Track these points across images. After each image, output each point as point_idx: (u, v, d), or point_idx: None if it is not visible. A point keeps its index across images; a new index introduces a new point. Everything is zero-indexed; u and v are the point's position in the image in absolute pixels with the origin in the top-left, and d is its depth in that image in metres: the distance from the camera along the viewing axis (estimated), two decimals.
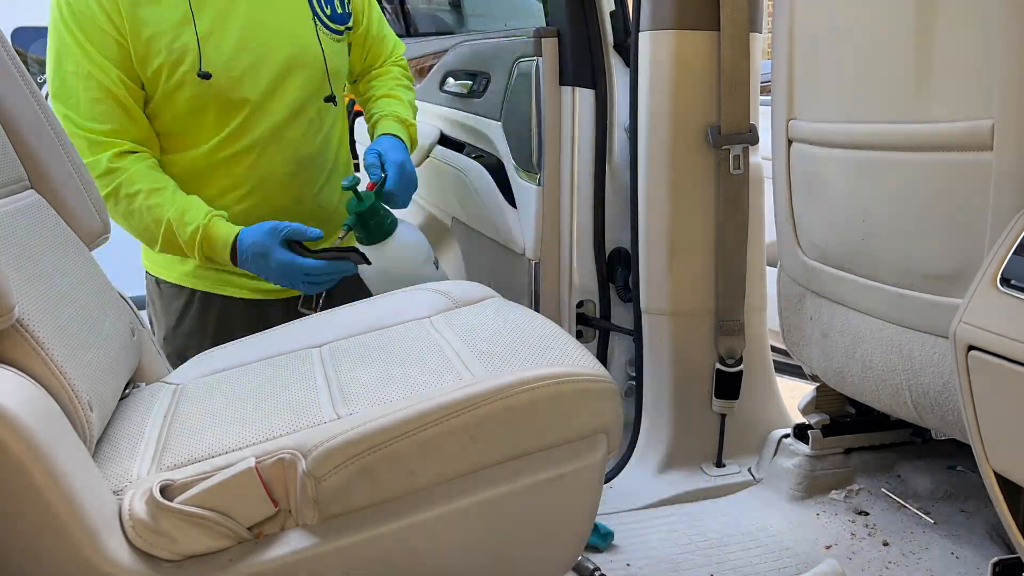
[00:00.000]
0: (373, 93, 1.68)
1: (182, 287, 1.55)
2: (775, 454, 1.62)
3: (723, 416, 1.67)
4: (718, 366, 1.65)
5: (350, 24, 1.60)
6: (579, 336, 1.88)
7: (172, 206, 1.36)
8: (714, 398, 1.66)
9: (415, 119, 1.66)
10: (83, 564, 0.76)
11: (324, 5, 1.54)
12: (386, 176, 1.44)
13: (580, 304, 1.86)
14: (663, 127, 1.58)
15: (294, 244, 1.37)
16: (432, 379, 0.96)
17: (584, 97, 1.76)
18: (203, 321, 1.55)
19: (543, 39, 1.76)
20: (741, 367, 1.64)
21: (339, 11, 1.57)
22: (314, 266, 1.37)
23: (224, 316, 1.54)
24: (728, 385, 1.65)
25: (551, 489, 0.91)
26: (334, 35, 1.56)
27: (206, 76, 1.38)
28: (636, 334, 1.70)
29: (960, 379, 0.94)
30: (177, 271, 1.54)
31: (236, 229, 1.37)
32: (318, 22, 1.52)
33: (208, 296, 1.54)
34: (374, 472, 0.84)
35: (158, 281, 1.57)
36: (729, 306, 1.63)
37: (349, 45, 1.63)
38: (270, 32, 1.46)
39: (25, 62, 1.34)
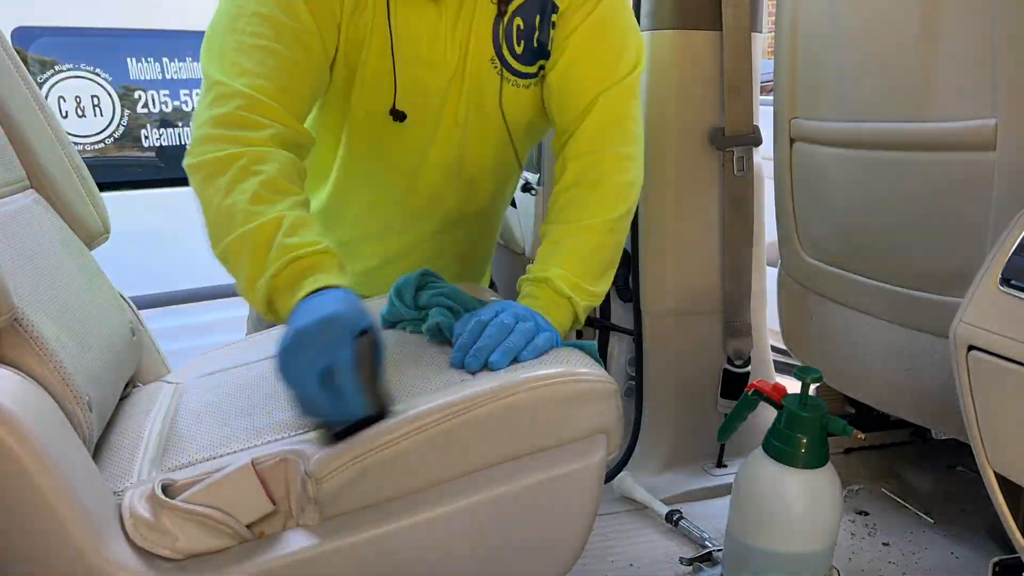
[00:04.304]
0: (547, 216, 1.18)
1: None
2: None
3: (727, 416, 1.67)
4: (726, 366, 1.65)
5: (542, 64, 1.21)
6: (579, 336, 1.88)
7: (290, 211, 0.95)
8: (720, 398, 1.66)
9: (602, 273, 1.14)
10: (83, 564, 0.76)
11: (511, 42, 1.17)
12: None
13: None
14: (664, 127, 1.58)
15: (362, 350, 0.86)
16: (432, 380, 0.95)
17: None
18: None
19: None
20: (749, 368, 1.64)
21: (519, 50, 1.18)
22: (344, 387, 0.82)
23: None
24: (735, 386, 1.64)
25: (551, 489, 0.90)
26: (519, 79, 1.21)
27: (400, 117, 1.16)
28: (636, 334, 1.70)
29: (960, 379, 0.94)
30: None
31: (339, 282, 0.91)
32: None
33: None
34: (375, 473, 0.84)
35: None
36: (736, 307, 1.63)
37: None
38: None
39: (25, 62, 1.35)
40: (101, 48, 2.51)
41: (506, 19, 1.16)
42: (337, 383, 0.81)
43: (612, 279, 1.16)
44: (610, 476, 1.65)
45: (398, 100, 1.15)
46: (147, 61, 2.55)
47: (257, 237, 0.92)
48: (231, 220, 0.94)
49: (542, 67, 1.20)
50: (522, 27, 1.17)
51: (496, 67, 1.18)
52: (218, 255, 0.97)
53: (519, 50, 1.17)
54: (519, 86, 1.21)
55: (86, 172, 1.21)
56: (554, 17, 1.17)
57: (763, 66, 1.64)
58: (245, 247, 0.93)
